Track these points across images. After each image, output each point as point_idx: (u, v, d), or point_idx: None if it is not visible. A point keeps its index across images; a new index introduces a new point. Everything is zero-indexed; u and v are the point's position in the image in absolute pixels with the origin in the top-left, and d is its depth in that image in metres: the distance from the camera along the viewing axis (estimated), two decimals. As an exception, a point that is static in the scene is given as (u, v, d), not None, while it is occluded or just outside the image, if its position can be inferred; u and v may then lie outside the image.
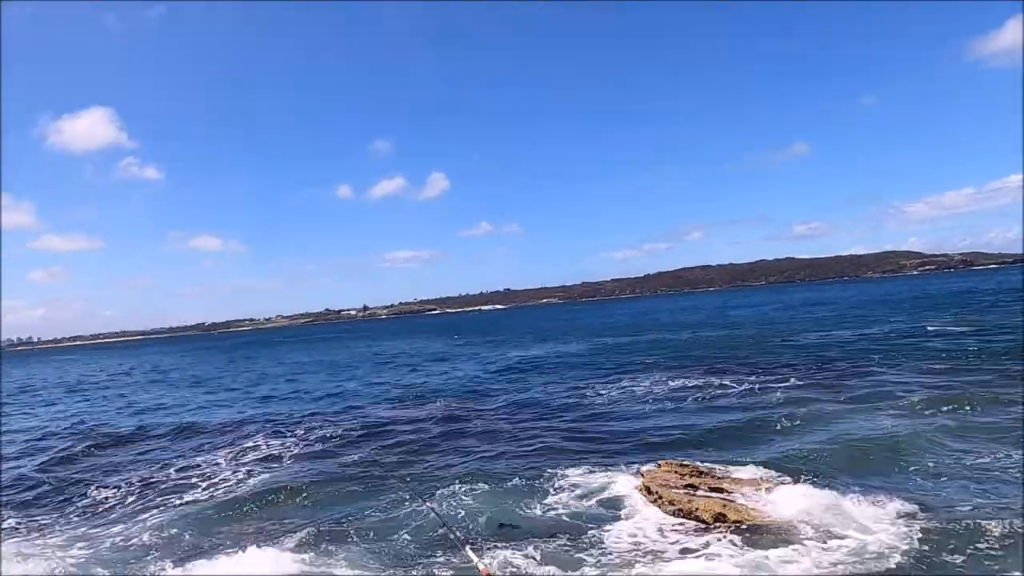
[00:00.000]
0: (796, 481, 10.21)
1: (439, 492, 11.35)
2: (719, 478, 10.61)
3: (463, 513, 10.19)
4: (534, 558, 8.23)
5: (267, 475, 13.82)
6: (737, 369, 23.42)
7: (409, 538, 9.31)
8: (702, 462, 11.70)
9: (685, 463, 11.38)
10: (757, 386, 19.46)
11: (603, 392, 21.43)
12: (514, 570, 7.94)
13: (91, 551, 9.87)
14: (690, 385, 20.95)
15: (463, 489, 11.37)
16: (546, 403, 20.31)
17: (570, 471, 12.13)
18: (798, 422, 14.27)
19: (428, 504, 9.65)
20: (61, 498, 13.62)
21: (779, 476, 10.63)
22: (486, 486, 11.49)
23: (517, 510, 10.20)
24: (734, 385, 20.03)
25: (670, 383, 21.74)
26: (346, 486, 12.41)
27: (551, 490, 11.11)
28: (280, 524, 10.41)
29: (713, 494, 9.69)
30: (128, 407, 29.39)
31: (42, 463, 17.42)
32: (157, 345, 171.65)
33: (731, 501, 9.35)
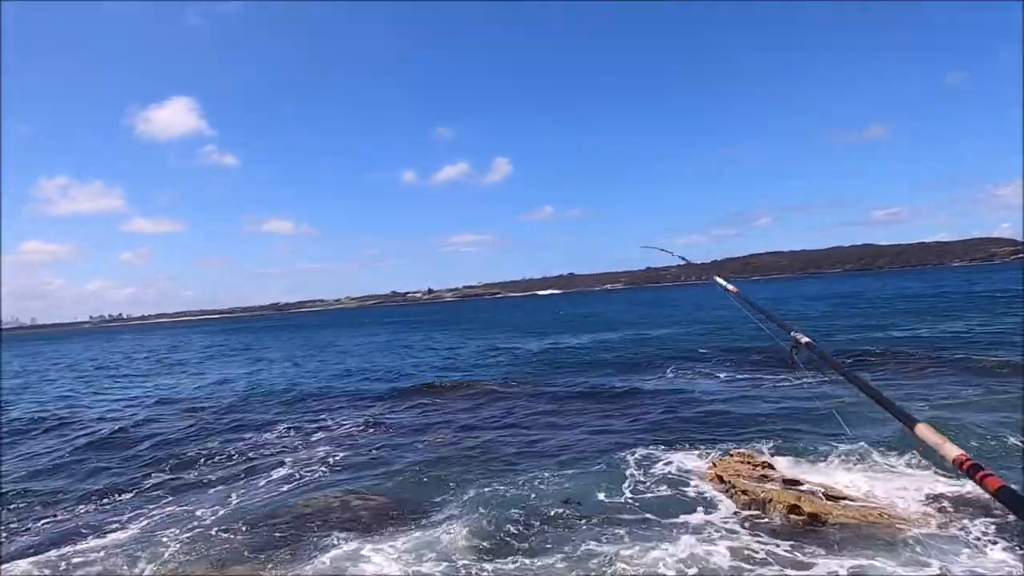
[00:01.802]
0: (870, 476, 10.03)
1: (509, 473, 11.76)
2: (795, 469, 10.55)
3: (535, 494, 10.50)
4: (604, 541, 8.47)
5: (349, 453, 14.52)
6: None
7: (485, 522, 9.60)
8: (774, 453, 11.65)
9: (756, 454, 11.34)
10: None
11: (671, 378, 21.36)
12: (588, 551, 8.20)
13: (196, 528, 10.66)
14: (760, 376, 20.61)
15: (532, 469, 11.72)
16: (613, 388, 20.38)
17: (639, 456, 12.29)
18: (874, 416, 13.90)
19: (499, 484, 10.03)
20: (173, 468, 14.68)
21: (854, 469, 10.48)
22: (554, 466, 11.83)
23: (587, 492, 10.43)
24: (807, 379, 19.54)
25: (739, 373, 21.44)
26: (418, 467, 12.92)
27: (621, 474, 11.32)
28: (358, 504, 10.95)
29: (787, 487, 9.65)
30: (224, 381, 31.13)
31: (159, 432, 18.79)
32: (234, 323, 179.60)
33: (806, 494, 9.29)
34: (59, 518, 11.27)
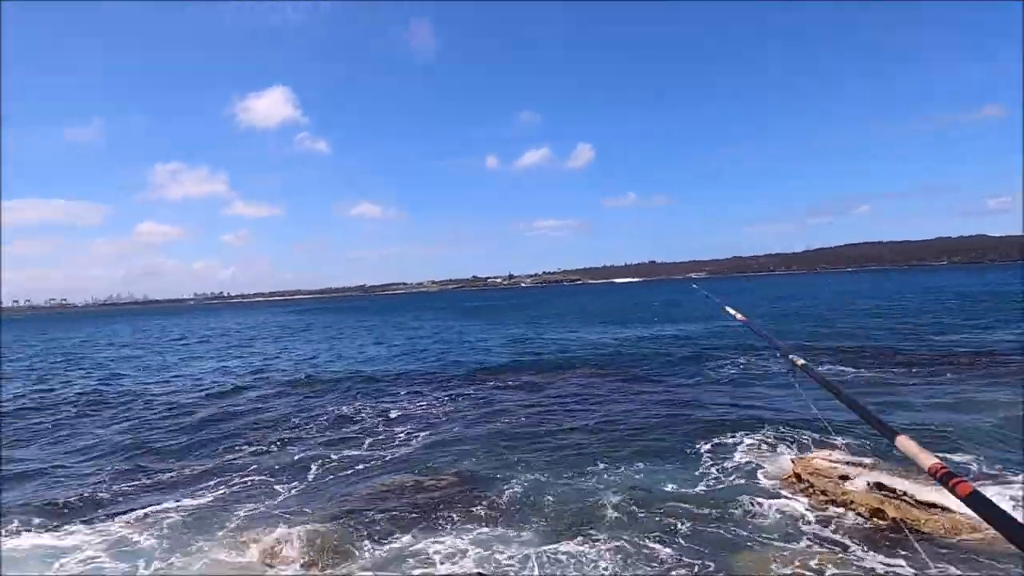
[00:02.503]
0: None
1: (579, 458, 11.78)
2: (877, 471, 9.99)
3: (604, 481, 10.46)
4: (673, 534, 8.35)
5: (430, 434, 14.93)
6: (899, 358, 21.49)
7: (549, 510, 9.65)
8: (856, 454, 11.08)
9: (838, 454, 10.81)
10: (923, 380, 17.81)
11: (750, 371, 20.65)
12: (659, 539, 8.11)
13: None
14: (847, 372, 19.59)
15: (603, 456, 11.68)
16: (688, 378, 19.93)
17: (713, 448, 12.06)
18: (976, 420, 12.95)
19: (569, 470, 10.05)
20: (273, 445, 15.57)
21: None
22: (625, 454, 11.74)
23: (659, 482, 10.29)
24: (899, 378, 18.48)
25: (823, 367, 20.45)
26: (491, 449, 13.13)
27: (695, 465, 11.13)
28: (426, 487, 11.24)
29: (871, 490, 9.17)
30: (312, 357, 32.68)
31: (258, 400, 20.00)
32: (324, 303, 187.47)
33: (890, 499, 8.80)
34: (150, 480, 12.19)
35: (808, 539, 8.04)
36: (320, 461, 12.90)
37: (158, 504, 10.59)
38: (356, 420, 16.79)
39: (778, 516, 8.81)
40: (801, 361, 3.47)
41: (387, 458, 12.86)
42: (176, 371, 30.45)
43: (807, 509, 8.96)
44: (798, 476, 9.75)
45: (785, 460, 11.09)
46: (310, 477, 11.92)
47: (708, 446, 12.26)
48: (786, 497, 9.44)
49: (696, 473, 10.79)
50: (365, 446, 14.06)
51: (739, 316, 5.00)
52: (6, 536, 9.36)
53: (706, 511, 9.08)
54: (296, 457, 13.33)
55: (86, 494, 11.37)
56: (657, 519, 8.86)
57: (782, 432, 12.96)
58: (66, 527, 9.72)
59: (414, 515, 9.51)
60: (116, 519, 9.93)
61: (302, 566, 7.86)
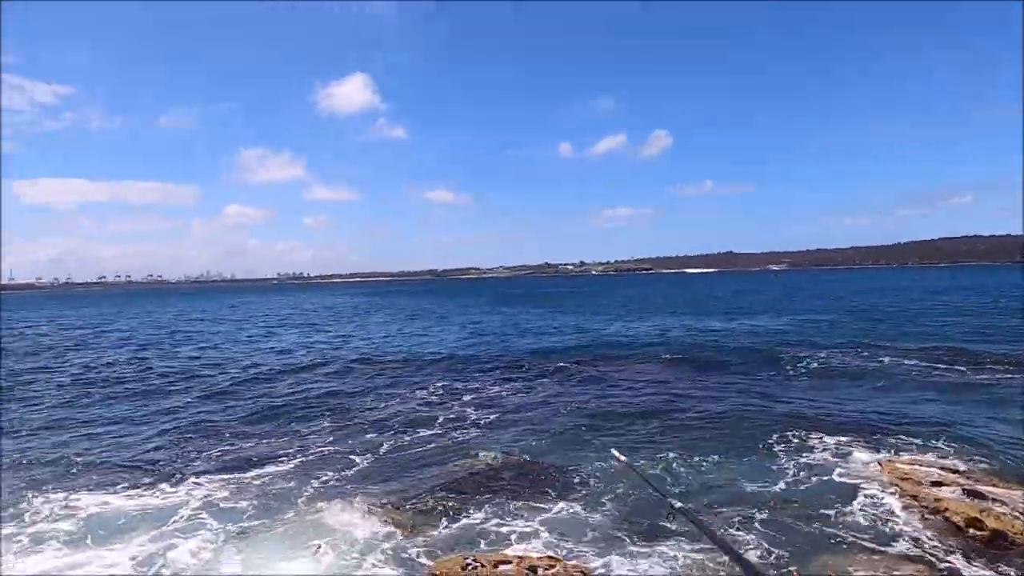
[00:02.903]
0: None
1: (651, 448, 11.61)
2: (973, 479, 9.37)
3: (676, 474, 10.27)
4: (759, 526, 8.11)
5: (494, 416, 15.08)
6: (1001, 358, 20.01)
7: (621, 498, 9.55)
8: (947, 458, 10.42)
9: (929, 456, 10.22)
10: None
11: (832, 365, 19.74)
12: (741, 533, 7.91)
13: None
14: (936, 371, 18.44)
15: (675, 447, 11.47)
16: (765, 373, 19.26)
17: (790, 445, 11.63)
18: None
19: (641, 460, 9.88)
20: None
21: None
22: (699, 447, 11.47)
23: (735, 478, 10.01)
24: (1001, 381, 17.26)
25: (913, 368, 19.32)
26: (562, 434, 13.12)
27: (772, 461, 10.76)
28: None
29: (968, 497, 8.61)
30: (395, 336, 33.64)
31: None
32: (398, 286, 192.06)
33: (990, 508, 8.23)
34: (235, 447, 12.83)
35: (900, 545, 7.62)
36: (394, 437, 13.25)
37: (243, 469, 11.18)
38: (428, 400, 17.14)
39: (866, 519, 8.39)
40: (678, 504, 3.76)
41: (459, 438, 13.06)
42: (260, 345, 31.94)
43: (897, 514, 8.50)
44: (887, 479, 9.26)
45: (865, 460, 10.58)
46: (382, 452, 12.26)
47: (783, 442, 11.86)
48: (873, 500, 8.98)
49: (772, 469, 10.44)
50: (437, 424, 14.34)
51: (621, 457, 5.05)
52: (118, 494, 10.11)
53: (788, 508, 8.77)
54: (370, 433, 13.73)
55: (178, 457, 12.11)
56: (736, 513, 8.63)
57: (861, 432, 12.35)
58: (164, 486, 10.39)
59: (486, 495, 9.62)
60: (207, 482, 10.53)
61: (380, 538, 8.10)
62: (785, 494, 9.36)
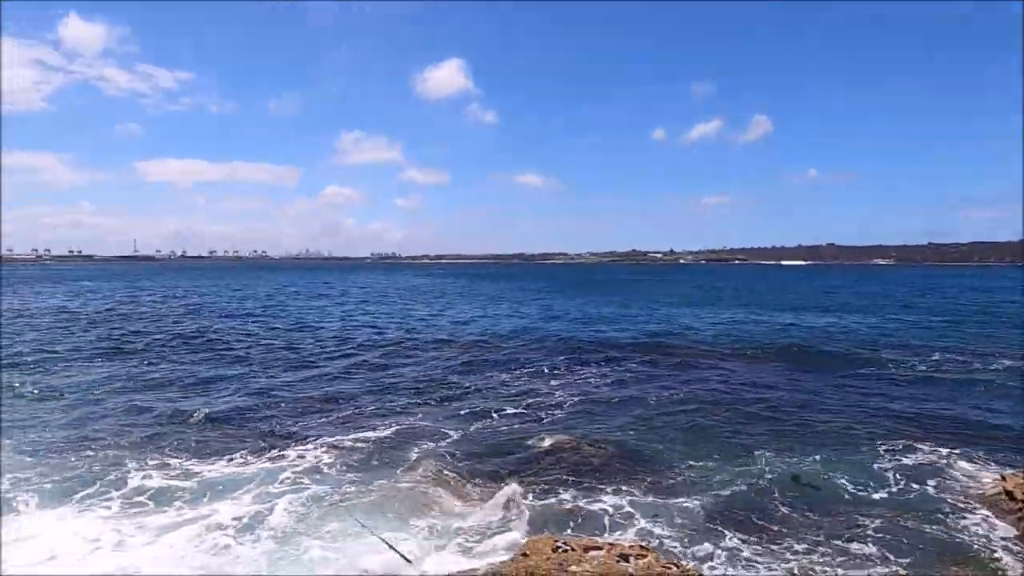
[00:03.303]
0: None
1: (742, 444, 11.28)
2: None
3: (770, 471, 9.94)
4: (868, 534, 7.76)
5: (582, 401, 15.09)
6: None
7: (713, 493, 9.36)
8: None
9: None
10: None
11: (938, 371, 18.40)
12: (848, 539, 7.61)
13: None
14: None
15: (769, 445, 11.09)
16: (868, 373, 18.21)
17: (893, 450, 11.02)
18: None
19: (731, 454, 9.62)
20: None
21: None
22: (795, 446, 11.04)
23: (836, 478, 9.59)
24: None
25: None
26: (651, 424, 12.97)
27: (873, 464, 10.23)
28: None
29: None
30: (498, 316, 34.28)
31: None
32: (486, 268, 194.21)
33: None
34: (332, 417, 13.47)
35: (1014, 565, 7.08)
36: (482, 414, 13.56)
37: (343, 435, 11.79)
38: (514, 380, 17.39)
39: (985, 536, 7.82)
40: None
41: (544, 419, 13.18)
42: (355, 320, 33.29)
43: (1013, 532, 7.88)
44: (1009, 494, 8.59)
45: (975, 471, 9.85)
46: (472, 428, 12.58)
47: (885, 446, 11.22)
48: (991, 516, 8.36)
49: (874, 474, 9.91)
50: (524, 405, 14.54)
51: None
52: (231, 458, 10.91)
53: (895, 517, 8.32)
54: (460, 408, 14.12)
55: (284, 424, 12.88)
56: (844, 518, 8.27)
57: (971, 442, 11.50)
58: (272, 452, 11.10)
59: (575, 476, 9.70)
60: (309, 449, 11.16)
61: (469, 512, 8.33)
62: (890, 501, 8.89)
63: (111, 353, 21.60)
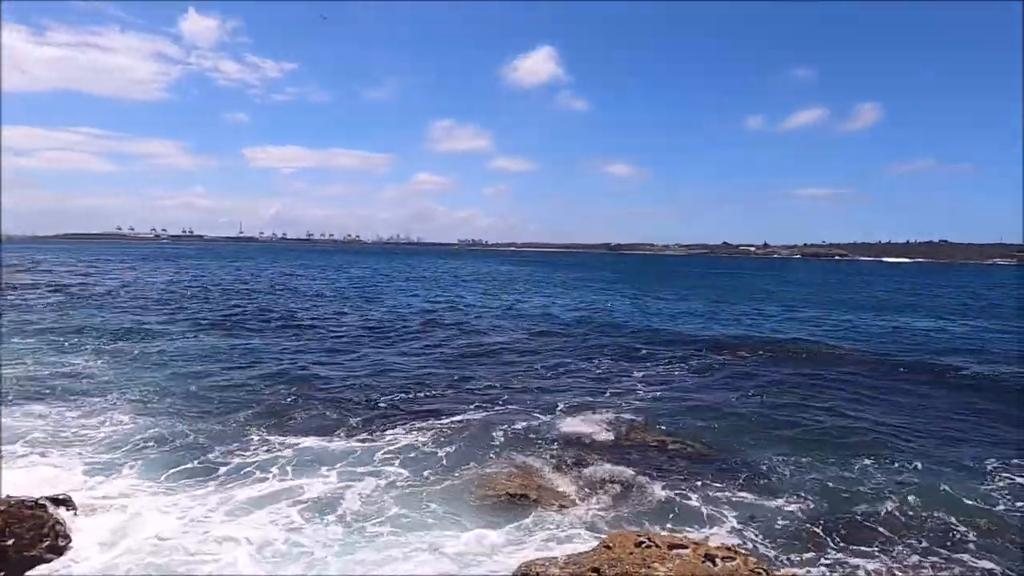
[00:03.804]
0: None
1: (839, 449, 10.68)
2: None
3: (870, 481, 9.36)
4: (970, 552, 7.19)
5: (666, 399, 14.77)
6: None
7: (815, 496, 8.92)
8: None
9: None
10: None
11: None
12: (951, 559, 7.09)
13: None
14: None
15: (866, 451, 10.44)
16: (982, 382, 16.78)
17: (1010, 468, 10.08)
18: None
19: (828, 460, 9.10)
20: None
21: None
22: (892, 453, 10.34)
23: (947, 493, 8.91)
24: None
25: None
26: (741, 423, 12.51)
27: (988, 482, 9.43)
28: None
29: None
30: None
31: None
32: (572, 257, 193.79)
33: None
34: (422, 398, 13.79)
35: None
36: (566, 403, 13.50)
37: (431, 419, 12.05)
38: (596, 370, 17.27)
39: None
40: None
41: (629, 412, 12.90)
42: (442, 301, 34.02)
43: None
44: None
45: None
46: (559, 410, 12.58)
47: (994, 462, 10.28)
48: None
49: (982, 488, 9.14)
50: (606, 395, 14.40)
51: None
52: (329, 435, 11.41)
53: (1001, 532, 7.65)
54: (544, 395, 14.18)
55: (370, 405, 13.32)
56: (942, 530, 7.71)
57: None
58: (363, 432, 11.52)
59: (661, 472, 9.51)
60: (397, 431, 11.48)
61: (552, 502, 8.31)
62: (1000, 517, 8.15)
63: (208, 327, 23.18)
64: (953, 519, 8.06)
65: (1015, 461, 10.37)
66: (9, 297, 31.08)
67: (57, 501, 7.02)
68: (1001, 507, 8.57)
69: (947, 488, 9.06)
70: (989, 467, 10.10)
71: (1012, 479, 9.58)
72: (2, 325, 21.60)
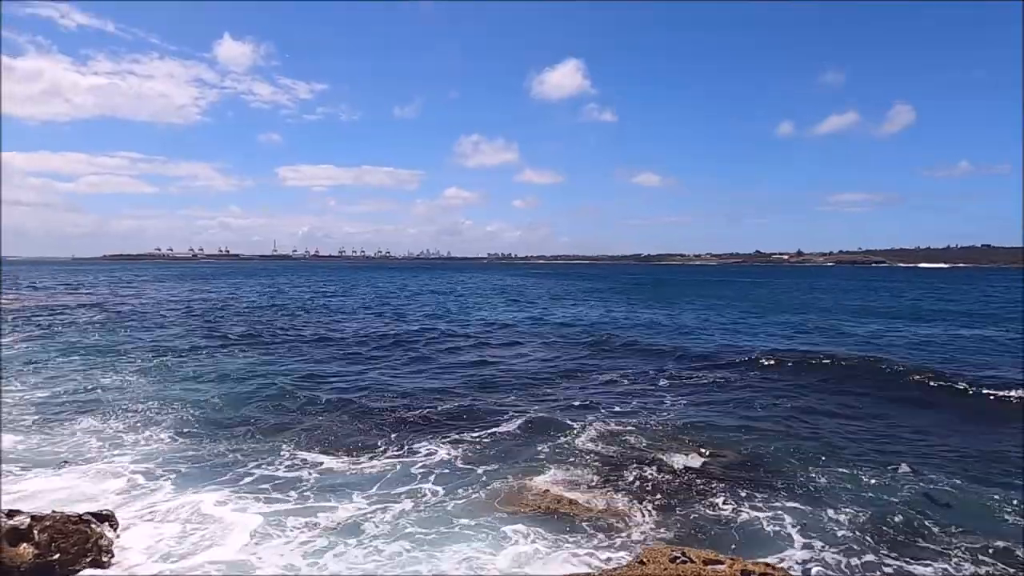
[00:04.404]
0: None
1: (882, 460, 10.40)
2: None
3: (923, 491, 9.09)
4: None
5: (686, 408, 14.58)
6: None
7: (862, 509, 8.70)
8: None
9: None
10: None
11: None
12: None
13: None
14: None
15: (899, 462, 10.16)
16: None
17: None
18: None
19: (876, 470, 8.86)
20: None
21: None
22: (943, 467, 10.03)
23: (987, 503, 8.61)
24: None
25: None
26: (779, 434, 12.28)
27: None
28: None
29: None
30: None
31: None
32: (600, 269, 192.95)
33: None
34: (451, 411, 13.82)
35: None
36: (595, 414, 13.44)
37: (463, 432, 12.10)
38: (625, 381, 17.17)
39: None
40: None
41: (660, 424, 12.75)
42: (464, 316, 34.18)
43: None
44: None
45: None
46: (587, 424, 12.49)
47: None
48: None
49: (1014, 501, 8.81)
50: (634, 406, 14.32)
51: None
52: (354, 456, 11.50)
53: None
54: (573, 405, 14.19)
55: (399, 421, 13.40)
56: (980, 542, 7.45)
57: None
58: (400, 447, 11.60)
59: (693, 484, 9.37)
60: (430, 445, 11.55)
61: (586, 515, 8.26)
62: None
63: (242, 343, 23.77)
64: (980, 528, 7.81)
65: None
66: (58, 317, 32.09)
67: (101, 517, 7.19)
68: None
69: (991, 499, 8.77)
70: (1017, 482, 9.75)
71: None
72: (50, 345, 22.31)
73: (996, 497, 8.92)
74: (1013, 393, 15.83)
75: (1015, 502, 8.75)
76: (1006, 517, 8.31)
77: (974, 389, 16.38)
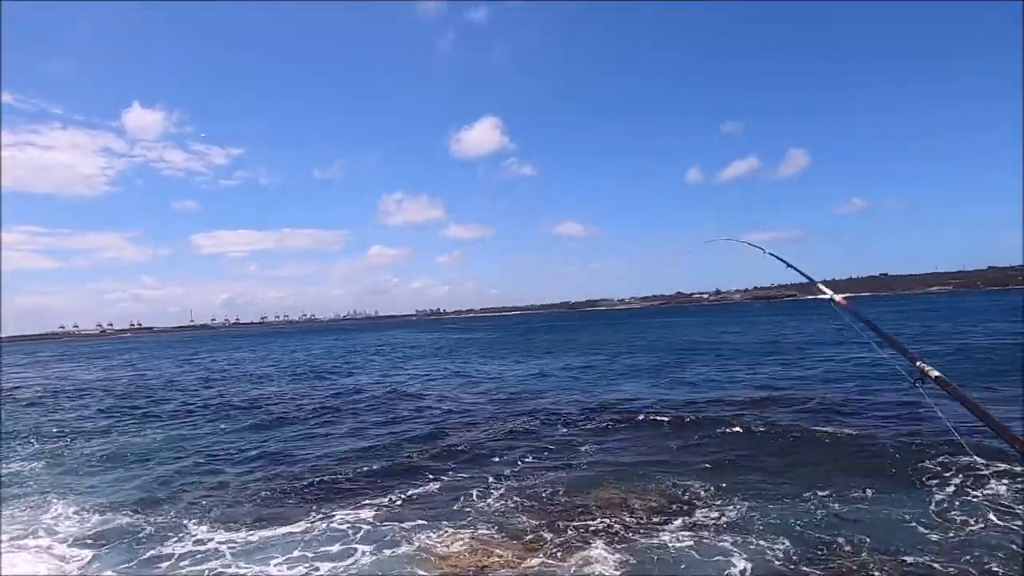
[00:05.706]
0: None
1: (795, 485, 10.84)
2: None
3: (834, 509, 9.49)
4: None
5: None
6: None
7: (776, 537, 8.97)
8: None
9: None
10: None
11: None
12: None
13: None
14: None
15: (824, 487, 10.63)
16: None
17: (922, 477, 10.52)
18: None
19: (789, 497, 9.13)
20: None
21: None
22: (835, 481, 10.54)
23: (896, 518, 9.09)
24: None
25: None
26: (699, 473, 12.59)
27: (926, 497, 9.68)
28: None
29: None
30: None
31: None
32: (528, 320, 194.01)
33: None
34: (375, 471, 13.48)
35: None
36: (521, 467, 13.36)
37: (389, 493, 11.75)
38: (543, 430, 17.16)
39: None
40: (935, 373, 3.02)
41: (575, 472, 12.85)
42: (387, 377, 33.62)
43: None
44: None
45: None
46: (514, 482, 12.36)
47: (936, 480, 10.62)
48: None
49: (930, 508, 9.39)
50: (549, 457, 14.24)
51: (838, 299, 4.12)
52: (275, 524, 10.98)
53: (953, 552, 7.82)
54: (494, 462, 13.98)
55: (322, 485, 12.95)
56: (899, 554, 7.83)
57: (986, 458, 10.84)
58: (326, 513, 11.15)
59: (622, 525, 9.43)
60: (354, 508, 11.18)
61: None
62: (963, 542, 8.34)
63: (155, 418, 22.50)
64: (902, 542, 8.21)
65: (922, 469, 10.67)
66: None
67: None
68: (951, 525, 8.75)
69: (899, 519, 9.26)
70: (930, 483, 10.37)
71: (942, 492, 9.82)
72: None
73: (905, 510, 9.43)
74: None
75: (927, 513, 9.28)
76: (917, 529, 8.79)
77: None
